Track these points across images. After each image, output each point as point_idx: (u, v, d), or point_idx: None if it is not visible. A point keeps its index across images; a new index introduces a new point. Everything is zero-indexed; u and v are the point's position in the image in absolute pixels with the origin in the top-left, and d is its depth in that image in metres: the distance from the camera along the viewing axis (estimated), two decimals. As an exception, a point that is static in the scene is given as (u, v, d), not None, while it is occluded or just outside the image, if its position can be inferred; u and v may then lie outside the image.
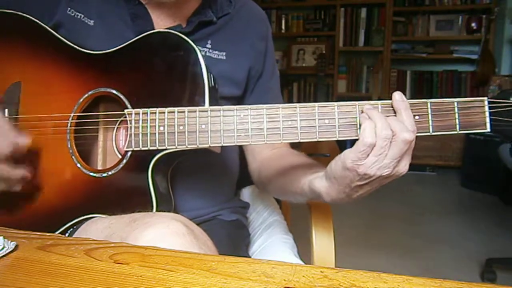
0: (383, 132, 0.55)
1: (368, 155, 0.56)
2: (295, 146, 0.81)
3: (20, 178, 0.65)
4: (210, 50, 0.78)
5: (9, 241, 0.51)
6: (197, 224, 0.63)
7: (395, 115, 0.58)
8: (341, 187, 0.61)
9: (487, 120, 0.58)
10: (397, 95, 0.58)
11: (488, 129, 0.58)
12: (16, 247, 0.51)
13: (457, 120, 0.58)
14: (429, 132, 0.59)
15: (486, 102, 0.58)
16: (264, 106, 0.60)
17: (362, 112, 0.59)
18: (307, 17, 3.94)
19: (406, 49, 3.73)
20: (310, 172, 0.68)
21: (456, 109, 0.58)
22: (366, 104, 0.59)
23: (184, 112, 0.62)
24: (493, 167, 2.88)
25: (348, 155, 0.57)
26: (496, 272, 1.93)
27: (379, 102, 0.59)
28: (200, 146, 0.62)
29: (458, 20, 3.59)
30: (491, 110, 0.58)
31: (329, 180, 0.62)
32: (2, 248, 0.50)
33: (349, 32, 3.80)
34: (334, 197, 0.63)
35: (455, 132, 0.58)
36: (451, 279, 0.41)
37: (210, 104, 0.63)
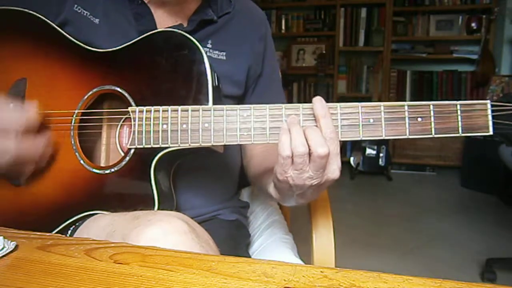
0: (297, 149, 0.55)
1: (290, 166, 0.57)
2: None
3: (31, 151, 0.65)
4: (211, 50, 0.79)
5: (9, 241, 0.51)
6: (198, 224, 0.63)
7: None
8: (285, 195, 0.63)
9: (490, 123, 0.57)
10: (317, 102, 0.58)
11: (491, 132, 0.57)
12: (16, 247, 0.51)
13: (459, 123, 0.58)
14: (431, 134, 0.58)
15: (489, 105, 0.57)
16: (267, 105, 0.61)
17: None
18: (307, 17, 3.94)
19: (406, 49, 3.73)
20: (272, 178, 0.69)
21: (458, 111, 0.58)
22: (292, 115, 0.59)
23: (187, 110, 0.62)
24: (493, 167, 2.88)
25: (276, 169, 0.59)
26: (496, 272, 1.93)
27: (301, 105, 0.60)
28: (203, 144, 0.62)
29: (458, 20, 3.59)
30: (494, 114, 0.57)
31: (276, 189, 0.65)
32: (2, 248, 0.50)
33: (349, 32, 3.79)
34: (285, 203, 0.67)
35: (458, 135, 0.58)
36: (451, 279, 0.41)
37: (214, 103, 0.63)
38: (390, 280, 0.42)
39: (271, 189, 0.67)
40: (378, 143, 3.40)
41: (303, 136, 0.56)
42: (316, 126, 0.58)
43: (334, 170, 0.58)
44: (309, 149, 0.56)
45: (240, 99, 0.85)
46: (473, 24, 3.48)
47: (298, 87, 4.02)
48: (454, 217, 2.67)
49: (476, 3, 3.53)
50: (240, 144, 0.87)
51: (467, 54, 3.54)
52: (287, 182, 0.58)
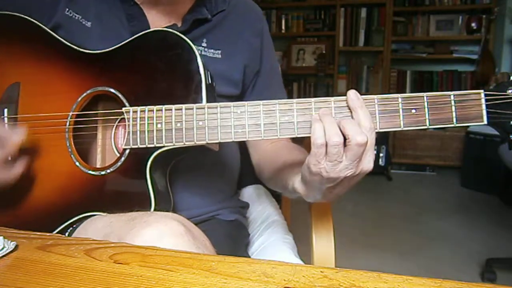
0: (332, 139, 0.55)
1: (324, 157, 0.56)
2: (298, 140, 0.82)
3: (15, 177, 0.66)
4: (206, 49, 0.78)
5: (9, 241, 0.51)
6: (196, 224, 0.63)
7: (351, 113, 0.58)
8: (315, 189, 0.62)
9: (484, 112, 0.57)
10: (352, 94, 0.58)
11: (485, 122, 0.57)
12: (16, 247, 0.51)
13: (453, 113, 0.58)
14: (426, 125, 0.58)
15: (482, 95, 0.58)
16: (261, 102, 0.61)
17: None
18: (307, 17, 3.94)
19: (406, 49, 3.73)
20: (295, 172, 0.68)
21: (452, 102, 0.58)
22: (323, 108, 0.59)
23: (181, 109, 0.62)
24: (493, 167, 2.88)
25: (309, 159, 0.58)
26: (496, 272, 1.93)
27: (332, 98, 0.60)
28: (198, 142, 0.62)
29: (458, 20, 3.59)
30: (487, 103, 0.57)
31: (304, 184, 0.64)
32: (2, 248, 0.50)
33: (349, 32, 3.79)
34: (311, 198, 0.65)
35: (452, 125, 0.58)
36: (451, 279, 0.41)
37: (208, 101, 0.63)
38: (390, 280, 0.42)
39: (297, 184, 0.65)
40: (378, 143, 3.40)
41: (336, 126, 0.56)
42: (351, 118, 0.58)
43: (369, 161, 0.57)
44: (345, 139, 0.55)
45: (238, 99, 0.84)
46: (473, 24, 3.48)
47: (298, 87, 4.02)
48: (454, 217, 2.66)
49: (476, 3, 3.53)
50: (237, 142, 0.87)
51: (467, 54, 3.54)
52: (319, 174, 0.57)
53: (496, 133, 0.61)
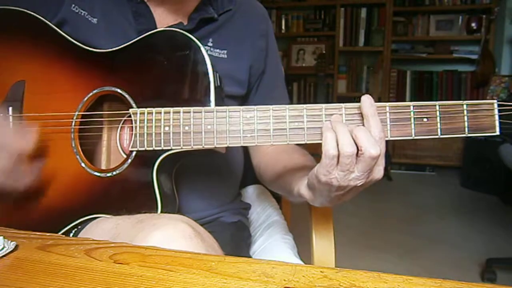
0: (345, 149, 0.53)
1: (336, 167, 0.55)
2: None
3: (23, 185, 0.65)
4: (212, 49, 0.78)
5: (9, 241, 0.51)
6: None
7: (362, 121, 0.57)
8: (322, 196, 0.61)
9: (497, 123, 0.57)
10: (366, 99, 0.56)
11: (498, 132, 0.57)
12: (16, 247, 0.51)
13: (466, 123, 0.57)
14: (437, 135, 0.57)
15: (495, 105, 0.57)
16: (271, 107, 0.60)
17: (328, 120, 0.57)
18: (307, 17, 3.94)
19: (406, 49, 3.73)
20: (299, 176, 0.67)
21: (465, 111, 0.57)
22: (335, 114, 0.58)
23: (189, 112, 0.61)
24: (493, 167, 2.88)
25: (318, 169, 0.56)
26: (496, 272, 1.93)
27: (343, 105, 0.58)
28: (206, 146, 0.61)
29: (458, 20, 3.59)
30: (500, 114, 0.56)
31: (311, 191, 0.63)
32: (2, 248, 0.50)
33: (349, 32, 3.79)
34: (318, 204, 0.65)
35: (464, 135, 0.57)
36: (451, 279, 0.41)
37: (216, 104, 0.63)
38: (390, 280, 0.42)
39: (303, 190, 0.64)
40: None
41: (350, 135, 0.54)
42: (363, 125, 0.56)
43: (379, 170, 0.56)
44: (358, 149, 0.54)
45: (243, 99, 0.84)
46: (473, 24, 3.48)
47: (298, 87, 4.01)
48: (454, 217, 2.66)
49: (476, 3, 3.53)
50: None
51: (467, 54, 3.54)
52: (330, 184, 0.56)
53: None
